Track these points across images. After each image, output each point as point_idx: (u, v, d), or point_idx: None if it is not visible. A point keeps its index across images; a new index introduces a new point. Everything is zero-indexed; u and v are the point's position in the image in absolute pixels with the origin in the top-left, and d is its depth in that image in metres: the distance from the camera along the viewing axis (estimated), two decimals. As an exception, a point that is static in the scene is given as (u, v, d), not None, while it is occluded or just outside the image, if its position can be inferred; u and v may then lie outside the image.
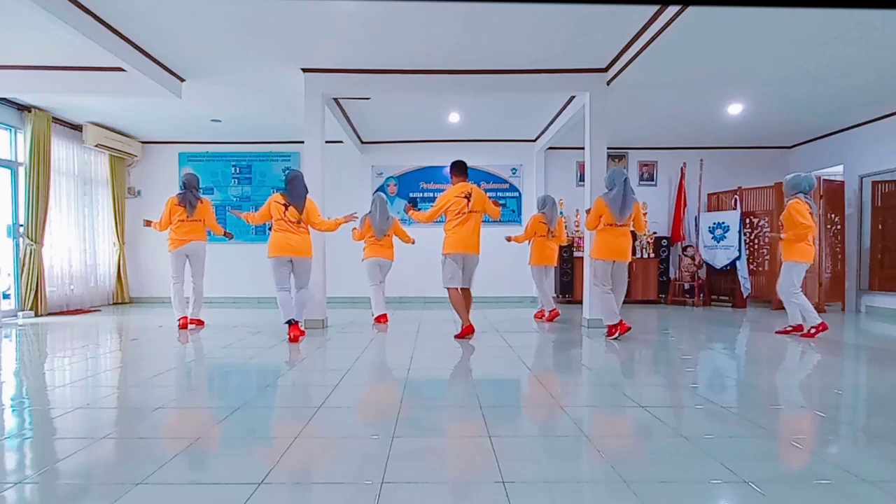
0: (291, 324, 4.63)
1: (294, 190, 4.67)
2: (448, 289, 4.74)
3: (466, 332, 4.72)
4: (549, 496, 1.67)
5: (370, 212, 5.81)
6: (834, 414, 2.55)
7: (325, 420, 2.43)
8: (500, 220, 5.90)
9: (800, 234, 4.74)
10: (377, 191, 8.42)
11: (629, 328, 4.65)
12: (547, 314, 6.03)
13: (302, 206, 4.67)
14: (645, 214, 8.15)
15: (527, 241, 6.17)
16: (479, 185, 5.10)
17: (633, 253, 7.84)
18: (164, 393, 2.99)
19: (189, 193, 5.43)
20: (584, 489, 1.75)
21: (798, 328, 4.90)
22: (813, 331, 4.71)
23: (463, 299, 4.77)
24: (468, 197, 4.67)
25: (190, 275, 5.47)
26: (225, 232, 5.91)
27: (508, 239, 6.25)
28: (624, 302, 7.71)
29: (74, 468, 1.88)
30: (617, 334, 4.61)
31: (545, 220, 5.92)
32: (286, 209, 4.63)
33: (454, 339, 4.72)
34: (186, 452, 2.01)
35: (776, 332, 5.05)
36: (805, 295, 4.88)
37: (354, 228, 5.90)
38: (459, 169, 4.88)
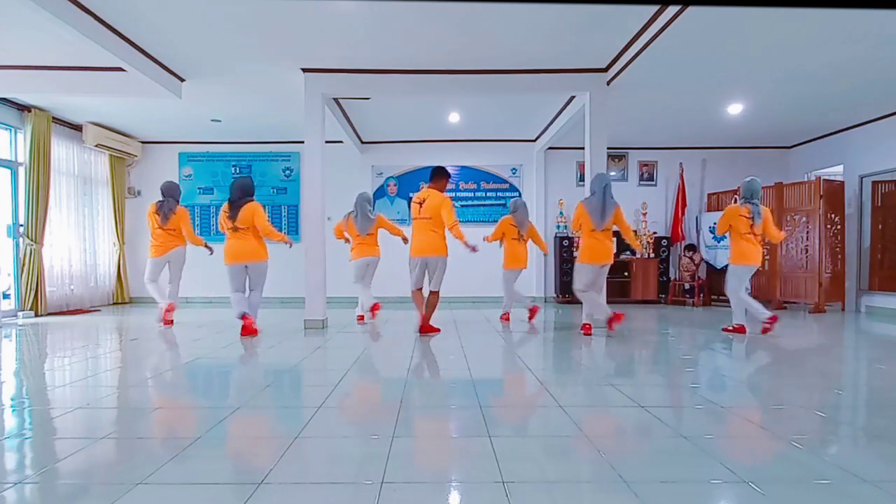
0: (243, 316, 4.87)
1: (233, 199, 4.84)
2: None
3: (423, 328, 4.96)
4: (549, 496, 1.67)
5: (352, 211, 5.82)
6: (833, 414, 2.55)
7: (325, 420, 2.43)
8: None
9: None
10: (376, 191, 8.43)
11: (623, 315, 4.92)
12: (504, 314, 6.17)
13: (237, 214, 4.79)
14: (645, 214, 8.19)
15: (498, 242, 6.09)
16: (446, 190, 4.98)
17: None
18: (164, 393, 2.99)
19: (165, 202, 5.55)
20: (584, 489, 1.75)
21: (740, 329, 5.02)
22: (767, 326, 4.90)
23: (420, 299, 4.99)
24: (421, 203, 4.83)
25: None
26: (205, 244, 5.83)
27: (485, 239, 6.13)
28: (624, 302, 7.81)
29: (74, 468, 1.88)
30: (616, 323, 4.84)
31: (515, 222, 5.91)
32: (232, 220, 4.81)
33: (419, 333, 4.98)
34: (186, 452, 2.01)
35: (722, 329, 5.20)
36: (752, 296, 5.10)
37: (338, 225, 6.01)
38: (431, 175, 4.96)
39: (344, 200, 8.18)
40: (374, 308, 5.91)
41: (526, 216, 5.96)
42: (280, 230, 5.22)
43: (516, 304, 6.18)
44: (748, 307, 4.93)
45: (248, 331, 4.86)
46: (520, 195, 8.38)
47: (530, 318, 6.00)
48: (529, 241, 6.02)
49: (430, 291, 4.90)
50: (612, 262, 4.87)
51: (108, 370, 3.54)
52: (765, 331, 4.87)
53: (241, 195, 4.84)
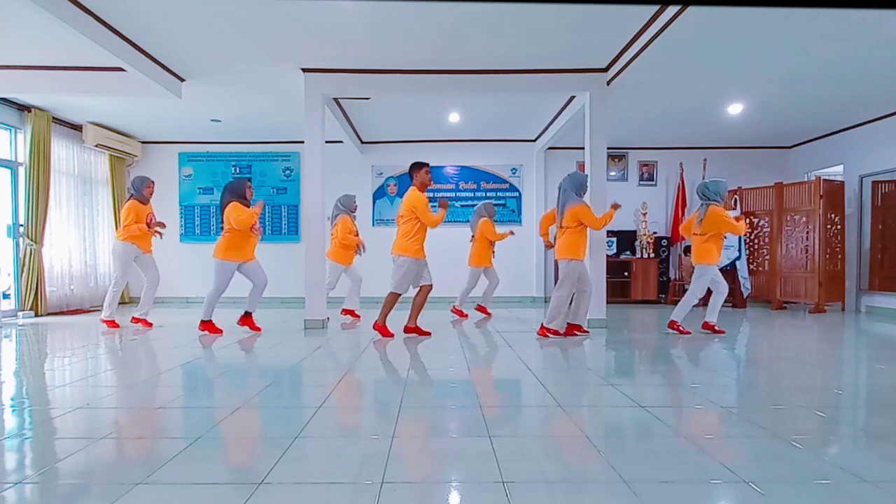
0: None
1: (221, 204, 4.96)
2: None
3: (406, 328, 4.93)
4: (549, 496, 1.67)
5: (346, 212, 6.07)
6: (833, 414, 2.55)
7: (325, 420, 2.43)
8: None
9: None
10: (376, 191, 8.42)
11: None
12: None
13: (222, 216, 4.94)
14: (645, 214, 8.19)
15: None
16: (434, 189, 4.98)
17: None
18: (164, 393, 2.99)
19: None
20: (584, 489, 1.75)
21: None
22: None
23: (415, 299, 4.90)
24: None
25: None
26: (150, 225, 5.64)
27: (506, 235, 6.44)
28: (624, 302, 7.81)
29: (74, 468, 1.88)
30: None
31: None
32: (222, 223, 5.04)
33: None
34: (186, 452, 2.01)
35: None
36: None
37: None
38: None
39: (344, 200, 8.20)
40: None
41: (475, 217, 6.38)
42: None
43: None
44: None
45: (211, 330, 5.06)
46: (520, 195, 8.39)
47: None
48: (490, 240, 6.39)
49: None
50: (561, 258, 4.72)
51: (108, 370, 3.54)
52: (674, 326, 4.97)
53: (222, 203, 4.94)
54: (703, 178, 8.16)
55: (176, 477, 1.79)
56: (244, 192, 4.92)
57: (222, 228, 4.97)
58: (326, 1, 3.93)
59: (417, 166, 4.86)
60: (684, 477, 1.80)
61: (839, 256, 7.13)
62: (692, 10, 3.81)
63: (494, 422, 2.37)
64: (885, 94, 5.84)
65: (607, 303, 5.61)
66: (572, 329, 4.81)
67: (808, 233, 7.01)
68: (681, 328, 4.91)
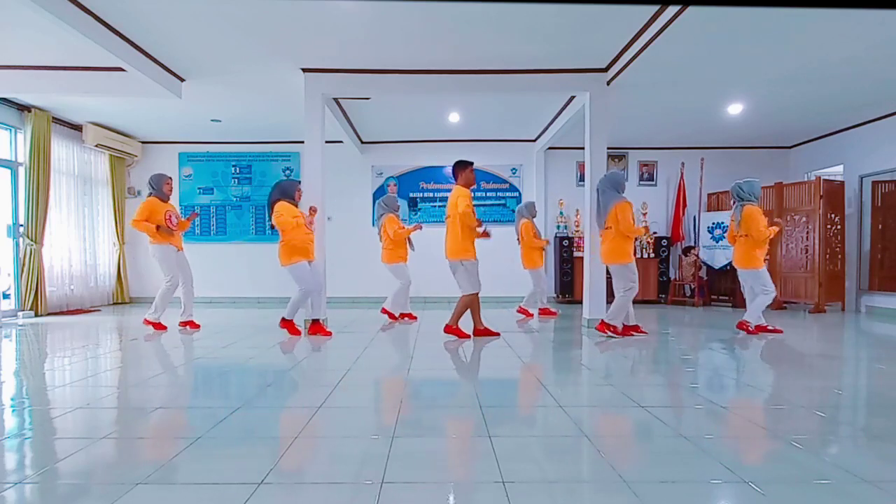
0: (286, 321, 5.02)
1: (269, 203, 4.92)
2: None
3: (446, 328, 4.87)
4: (549, 496, 1.67)
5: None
6: (833, 414, 2.55)
7: (325, 420, 2.43)
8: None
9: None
10: (376, 191, 8.42)
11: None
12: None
13: (269, 214, 4.90)
14: (645, 214, 8.18)
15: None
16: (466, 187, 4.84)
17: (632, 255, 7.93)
18: (164, 393, 2.99)
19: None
20: (584, 489, 1.75)
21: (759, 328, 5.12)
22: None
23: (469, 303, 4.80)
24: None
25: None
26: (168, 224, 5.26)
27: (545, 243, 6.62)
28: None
29: (74, 468, 1.88)
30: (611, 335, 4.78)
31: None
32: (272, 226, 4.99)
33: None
34: (186, 452, 2.01)
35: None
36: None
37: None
38: (452, 172, 4.92)
39: (344, 200, 8.22)
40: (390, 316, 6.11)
41: (518, 219, 6.43)
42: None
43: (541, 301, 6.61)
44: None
45: (290, 331, 4.99)
46: (519, 195, 8.39)
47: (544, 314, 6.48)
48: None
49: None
50: (611, 262, 4.75)
51: (108, 370, 3.54)
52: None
53: (270, 200, 4.88)
54: (702, 178, 8.18)
55: (176, 477, 1.79)
56: (294, 193, 4.92)
57: (272, 227, 4.84)
58: (326, 1, 3.93)
59: (462, 165, 4.83)
60: (684, 477, 1.80)
61: (839, 256, 7.13)
62: (692, 10, 3.81)
63: (494, 422, 2.37)
64: (885, 94, 5.84)
65: (607, 302, 5.60)
66: (629, 330, 4.83)
67: (808, 233, 7.01)
68: (767, 328, 5.05)
